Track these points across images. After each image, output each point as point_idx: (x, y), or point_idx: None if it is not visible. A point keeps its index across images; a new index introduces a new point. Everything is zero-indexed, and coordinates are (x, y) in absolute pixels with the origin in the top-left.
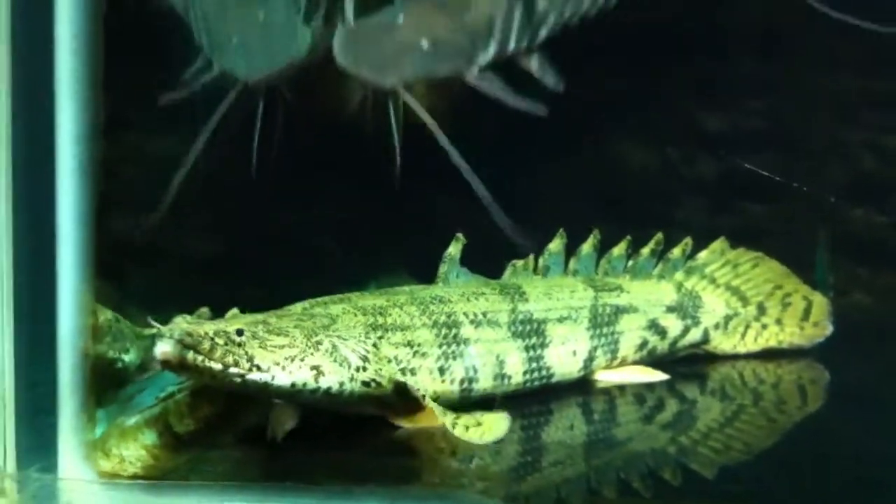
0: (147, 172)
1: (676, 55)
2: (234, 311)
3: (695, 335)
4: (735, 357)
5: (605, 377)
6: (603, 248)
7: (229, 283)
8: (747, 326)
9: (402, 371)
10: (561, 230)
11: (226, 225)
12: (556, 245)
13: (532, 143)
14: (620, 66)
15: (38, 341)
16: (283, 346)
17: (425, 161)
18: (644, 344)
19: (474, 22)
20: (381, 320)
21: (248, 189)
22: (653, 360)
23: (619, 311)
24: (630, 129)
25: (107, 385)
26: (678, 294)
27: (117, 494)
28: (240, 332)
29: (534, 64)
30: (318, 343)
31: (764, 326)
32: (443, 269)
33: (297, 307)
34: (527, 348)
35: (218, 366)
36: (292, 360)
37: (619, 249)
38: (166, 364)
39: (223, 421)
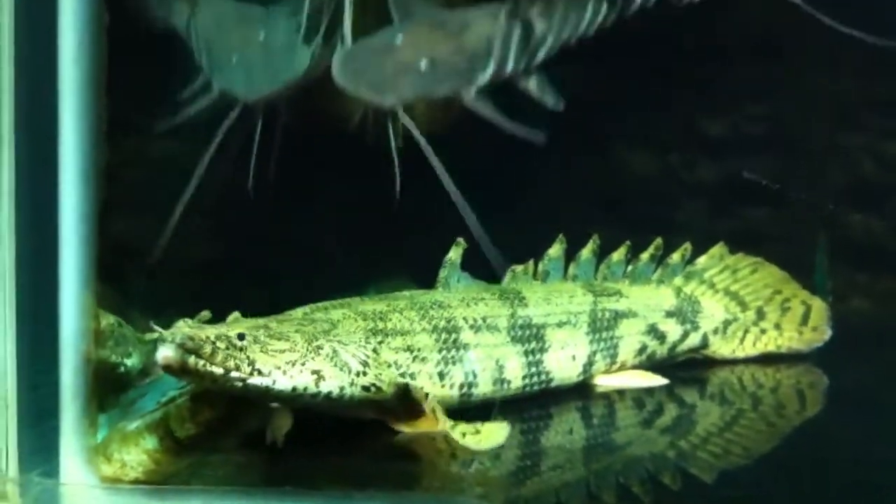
0: (149, 176)
1: (676, 60)
2: (236, 314)
3: (694, 340)
4: (734, 362)
5: (605, 382)
6: (602, 254)
7: (231, 286)
8: (746, 331)
9: (402, 376)
10: (560, 235)
11: (228, 235)
12: (555, 250)
13: (531, 148)
14: (619, 72)
15: (41, 345)
16: (284, 351)
17: (425, 172)
18: (643, 349)
19: (473, 43)
20: (381, 325)
21: (249, 202)
22: (652, 365)
23: (618, 315)
24: (629, 135)
25: (109, 389)
26: (677, 299)
27: (119, 499)
28: (241, 337)
29: (532, 85)
30: (319, 348)
31: (763, 331)
32: (443, 273)
33: (298, 312)
34: (526, 353)
35: (219, 370)
36: (293, 365)
37: (618, 254)
38: (168, 368)
39: (224, 425)
